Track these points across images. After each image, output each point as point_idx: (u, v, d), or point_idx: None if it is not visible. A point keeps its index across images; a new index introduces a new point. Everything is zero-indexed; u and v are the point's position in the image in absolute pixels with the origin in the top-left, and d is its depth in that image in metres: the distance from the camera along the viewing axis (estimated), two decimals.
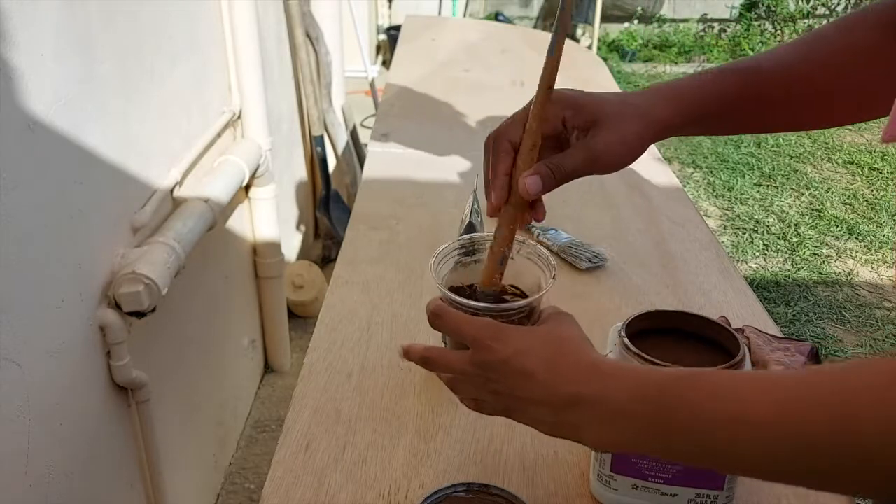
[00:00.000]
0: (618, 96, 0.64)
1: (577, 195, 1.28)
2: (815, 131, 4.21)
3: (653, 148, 1.53)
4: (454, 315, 0.56)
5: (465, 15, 5.92)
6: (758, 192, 3.52)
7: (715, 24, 6.04)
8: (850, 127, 4.29)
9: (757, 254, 2.98)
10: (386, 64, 4.80)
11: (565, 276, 1.02)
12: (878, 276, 2.84)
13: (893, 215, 3.27)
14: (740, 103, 0.65)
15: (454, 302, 0.57)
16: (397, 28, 4.08)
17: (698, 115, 0.65)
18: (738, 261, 2.92)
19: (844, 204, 3.39)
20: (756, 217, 3.26)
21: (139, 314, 1.17)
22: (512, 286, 0.62)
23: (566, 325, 0.55)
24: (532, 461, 0.71)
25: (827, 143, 4.06)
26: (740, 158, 3.85)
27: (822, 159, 3.87)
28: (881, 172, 3.70)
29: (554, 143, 0.62)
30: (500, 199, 0.59)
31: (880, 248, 3.02)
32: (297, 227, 2.56)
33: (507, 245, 0.59)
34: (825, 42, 0.66)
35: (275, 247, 2.00)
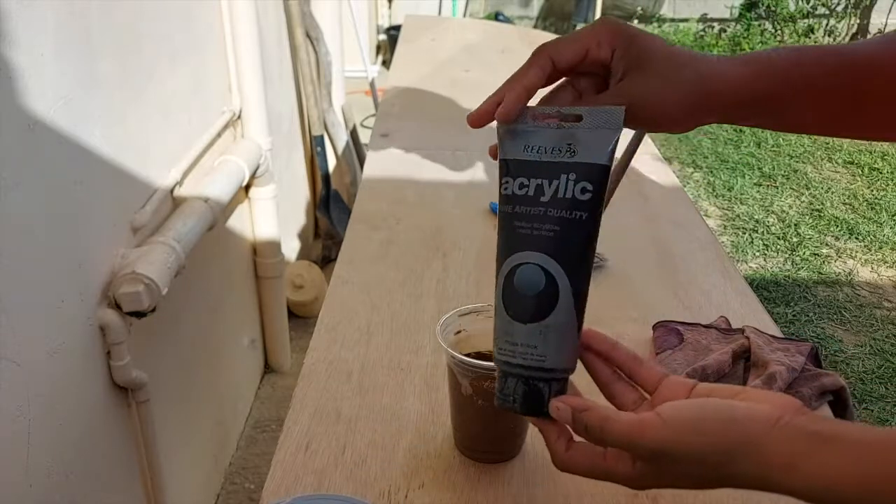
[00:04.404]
0: (682, 48, 0.54)
1: None
2: None
3: (652, 147, 1.53)
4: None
5: (465, 15, 5.92)
6: (758, 192, 3.52)
7: (715, 24, 6.04)
8: None
9: (757, 254, 2.98)
10: (386, 64, 4.80)
11: None
12: (878, 276, 2.84)
13: (893, 215, 3.27)
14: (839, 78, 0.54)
15: (462, 362, 0.64)
16: (397, 28, 4.08)
17: (780, 83, 0.53)
18: (738, 261, 2.92)
19: (844, 204, 3.39)
20: (756, 217, 3.26)
21: (139, 314, 1.17)
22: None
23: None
24: (532, 461, 0.71)
25: (827, 143, 4.06)
26: (740, 158, 3.85)
27: (822, 159, 3.87)
28: (881, 172, 3.70)
29: (596, 79, 0.54)
30: (489, 107, 0.53)
31: (880, 248, 3.02)
32: (297, 227, 2.56)
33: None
34: None
35: (275, 247, 2.00)
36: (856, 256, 2.97)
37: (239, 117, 1.79)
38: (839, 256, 2.97)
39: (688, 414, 0.47)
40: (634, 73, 0.52)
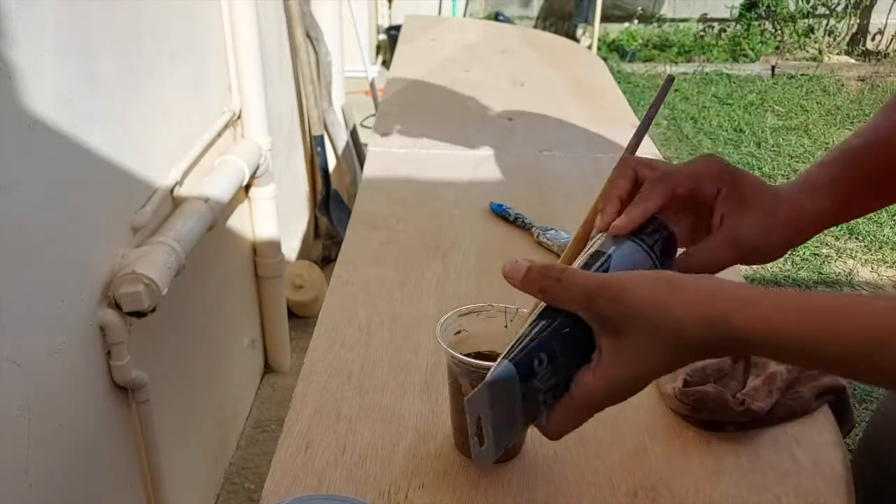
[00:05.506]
0: (771, 185, 0.61)
1: (577, 195, 1.29)
2: (815, 130, 4.21)
3: (652, 147, 1.53)
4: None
5: (465, 15, 5.92)
6: None
7: (715, 24, 6.04)
8: (849, 126, 4.29)
9: None
10: (386, 64, 4.80)
11: None
12: (878, 276, 2.84)
13: (893, 215, 3.27)
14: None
15: (462, 362, 0.64)
16: (397, 28, 4.08)
17: (854, 196, 0.61)
18: None
19: None
20: None
21: (139, 314, 1.17)
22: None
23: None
24: (531, 461, 0.71)
25: (827, 144, 4.06)
26: (740, 158, 3.85)
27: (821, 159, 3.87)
28: None
29: (694, 212, 0.59)
30: (605, 224, 0.58)
31: (880, 248, 3.02)
32: (297, 227, 2.57)
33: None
34: None
35: (275, 247, 2.00)
36: (856, 256, 2.97)
37: (239, 117, 1.79)
38: (839, 256, 2.97)
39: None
40: (739, 212, 0.57)
